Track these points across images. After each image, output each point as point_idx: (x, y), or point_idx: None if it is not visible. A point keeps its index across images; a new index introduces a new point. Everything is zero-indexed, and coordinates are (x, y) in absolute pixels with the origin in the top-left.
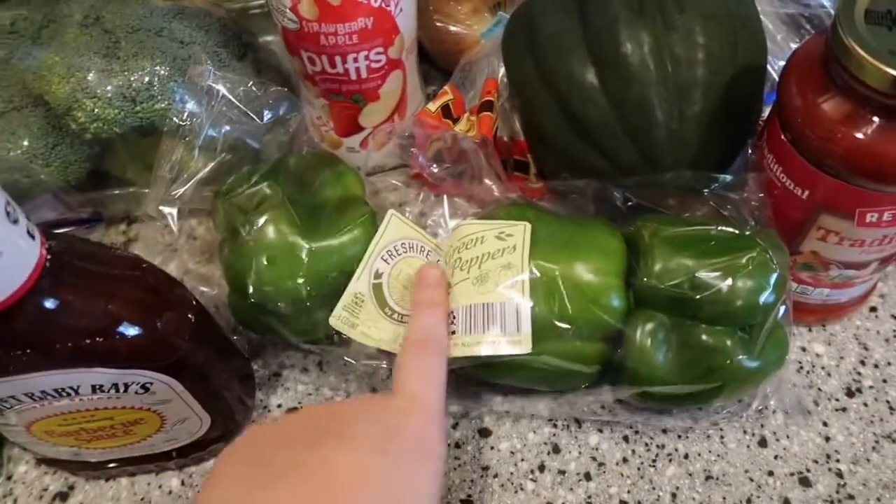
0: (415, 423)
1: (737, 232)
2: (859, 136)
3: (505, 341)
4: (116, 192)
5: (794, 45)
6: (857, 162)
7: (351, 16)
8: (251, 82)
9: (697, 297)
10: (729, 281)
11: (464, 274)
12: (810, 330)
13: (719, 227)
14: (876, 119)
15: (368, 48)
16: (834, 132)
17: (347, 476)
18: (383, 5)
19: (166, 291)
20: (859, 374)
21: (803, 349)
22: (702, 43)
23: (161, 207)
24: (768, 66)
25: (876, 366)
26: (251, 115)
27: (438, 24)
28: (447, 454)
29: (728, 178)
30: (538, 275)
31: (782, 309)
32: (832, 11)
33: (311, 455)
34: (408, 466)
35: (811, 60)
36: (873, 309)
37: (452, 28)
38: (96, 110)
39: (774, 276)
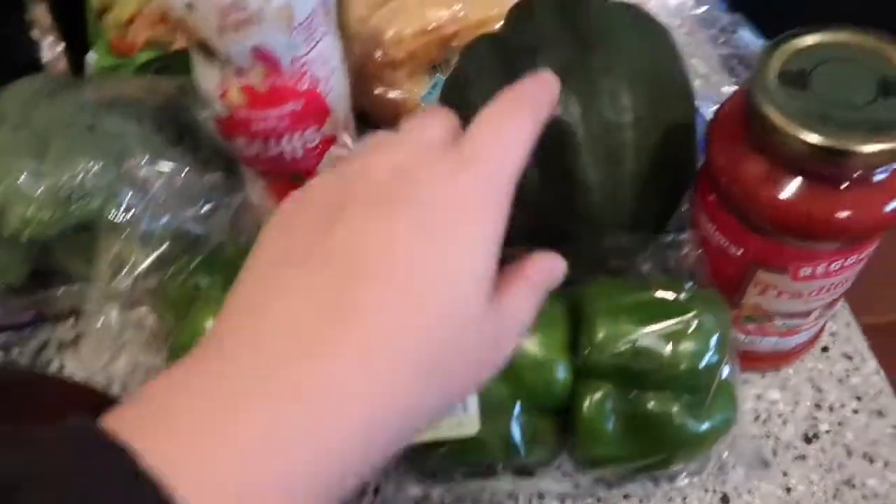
0: (465, 180)
1: (674, 296)
2: (783, 196)
3: (450, 423)
4: (61, 289)
5: (727, 89)
6: (783, 222)
7: (279, 101)
8: (187, 169)
9: (640, 365)
10: (670, 346)
11: None
12: (763, 376)
13: (658, 292)
14: (798, 179)
15: (301, 129)
16: (758, 192)
17: (375, 258)
18: (311, 88)
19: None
20: (815, 418)
21: (758, 396)
22: (628, 105)
23: (106, 302)
24: (704, 112)
25: (831, 408)
26: (191, 202)
27: (377, 92)
28: (501, 230)
29: (666, 237)
30: None
31: (727, 369)
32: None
33: (337, 232)
34: (444, 241)
35: (734, 118)
36: (825, 349)
37: (391, 95)
38: (28, 214)
39: (715, 337)
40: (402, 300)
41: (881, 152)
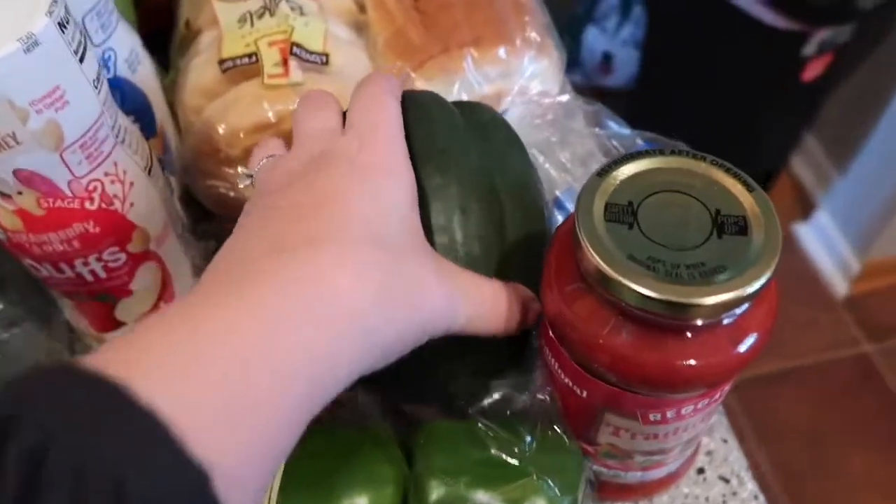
0: (372, 153)
1: (515, 452)
2: (615, 342)
3: None
4: None
5: None
6: (621, 372)
7: (62, 224)
8: None
9: None
10: None
11: None
12: None
13: (497, 448)
14: (631, 326)
15: (98, 251)
16: (589, 333)
17: (325, 199)
18: (105, 206)
19: None
20: None
21: None
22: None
23: None
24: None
25: None
26: None
27: (211, 188)
28: (412, 180)
29: (516, 374)
30: None
31: None
32: (639, 142)
33: (286, 195)
34: (374, 184)
35: (569, 245)
36: (700, 471)
37: (222, 190)
38: None
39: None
40: (353, 220)
41: (717, 305)
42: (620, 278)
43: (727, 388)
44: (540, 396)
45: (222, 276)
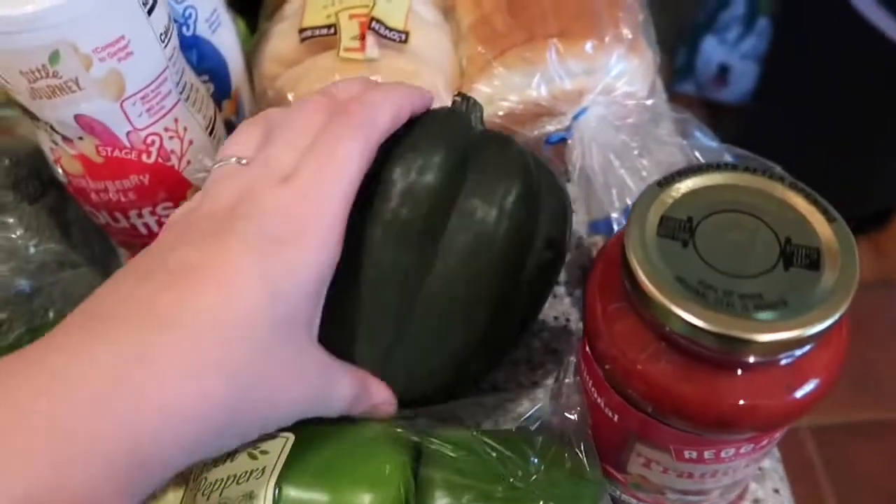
0: (290, 223)
1: (516, 481)
2: (654, 368)
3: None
4: None
5: None
6: (657, 401)
7: (119, 174)
8: (23, 241)
9: None
10: None
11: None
12: None
13: (500, 468)
14: (673, 354)
15: (152, 204)
16: (627, 356)
17: (210, 272)
18: (161, 161)
19: None
20: None
21: None
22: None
23: None
24: None
25: None
26: (20, 271)
27: None
28: (332, 251)
29: (537, 410)
30: None
31: None
32: (727, 157)
33: (180, 252)
34: (282, 257)
35: (616, 257)
36: None
37: None
38: None
39: None
40: (224, 306)
41: (770, 343)
42: (664, 300)
43: (778, 435)
44: (569, 415)
45: (74, 321)
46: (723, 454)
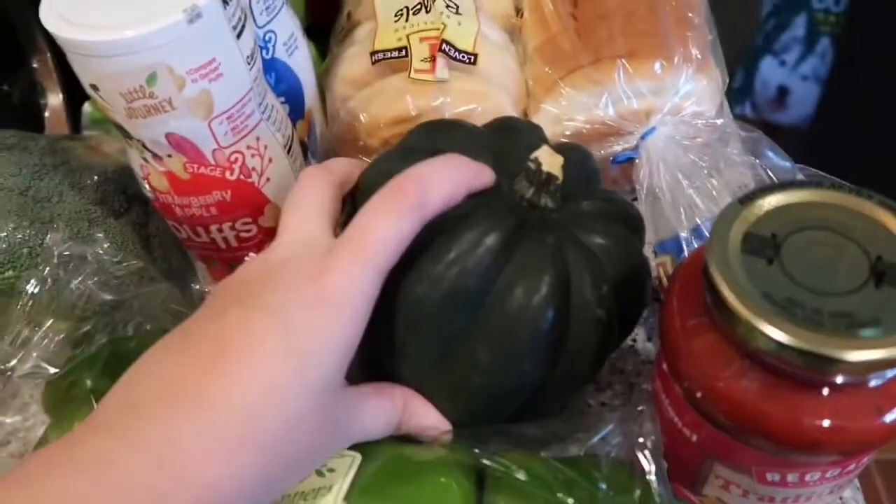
0: (322, 294)
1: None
2: (737, 386)
3: None
4: None
5: None
6: (739, 420)
7: (203, 189)
8: (108, 256)
9: None
10: None
11: None
12: None
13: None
14: (757, 372)
15: (232, 219)
16: (710, 376)
17: (235, 349)
18: (243, 177)
19: None
20: None
21: None
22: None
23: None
24: None
25: None
26: (105, 286)
27: None
28: (357, 328)
29: (606, 434)
30: None
31: None
32: (800, 177)
33: (211, 326)
34: (308, 323)
35: (697, 277)
36: None
37: None
38: None
39: None
40: (251, 380)
41: (862, 363)
42: (750, 317)
43: (866, 459)
44: (642, 437)
45: (104, 417)
46: (807, 478)
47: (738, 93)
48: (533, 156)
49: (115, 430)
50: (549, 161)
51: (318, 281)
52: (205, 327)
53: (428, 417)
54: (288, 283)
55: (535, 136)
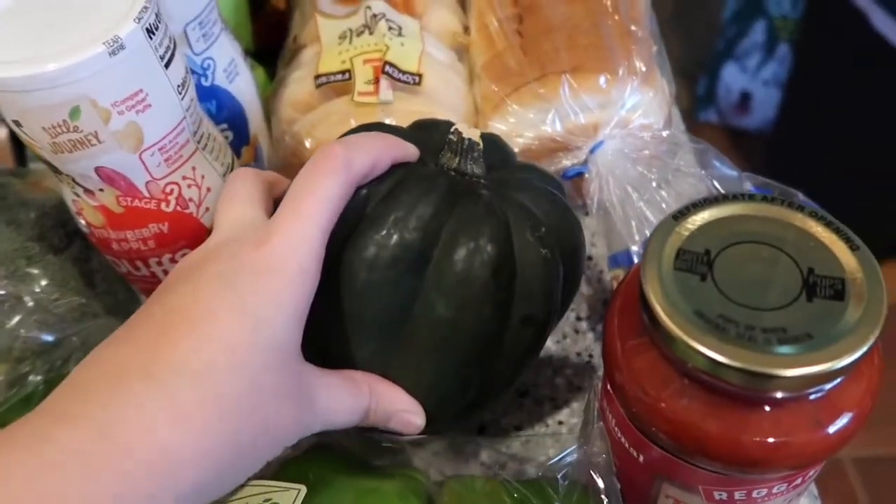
0: (266, 256)
1: None
2: (678, 406)
3: None
4: None
5: None
6: (681, 441)
7: (139, 223)
8: (47, 294)
9: None
10: None
11: None
12: None
13: None
14: (697, 391)
15: (171, 251)
16: (650, 393)
17: (183, 321)
18: (180, 209)
19: None
20: None
21: None
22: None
23: None
24: None
25: None
26: (43, 326)
27: None
28: (306, 290)
29: (563, 455)
30: None
31: None
32: (748, 186)
33: (156, 306)
34: (257, 285)
35: (634, 293)
36: None
37: None
38: None
39: None
40: (205, 343)
41: (796, 378)
42: (684, 336)
43: (812, 472)
44: (594, 455)
45: (48, 403)
46: (755, 494)
47: (703, 100)
48: (452, 129)
49: (55, 411)
50: (468, 131)
51: (263, 246)
52: (149, 311)
53: (397, 400)
54: (232, 254)
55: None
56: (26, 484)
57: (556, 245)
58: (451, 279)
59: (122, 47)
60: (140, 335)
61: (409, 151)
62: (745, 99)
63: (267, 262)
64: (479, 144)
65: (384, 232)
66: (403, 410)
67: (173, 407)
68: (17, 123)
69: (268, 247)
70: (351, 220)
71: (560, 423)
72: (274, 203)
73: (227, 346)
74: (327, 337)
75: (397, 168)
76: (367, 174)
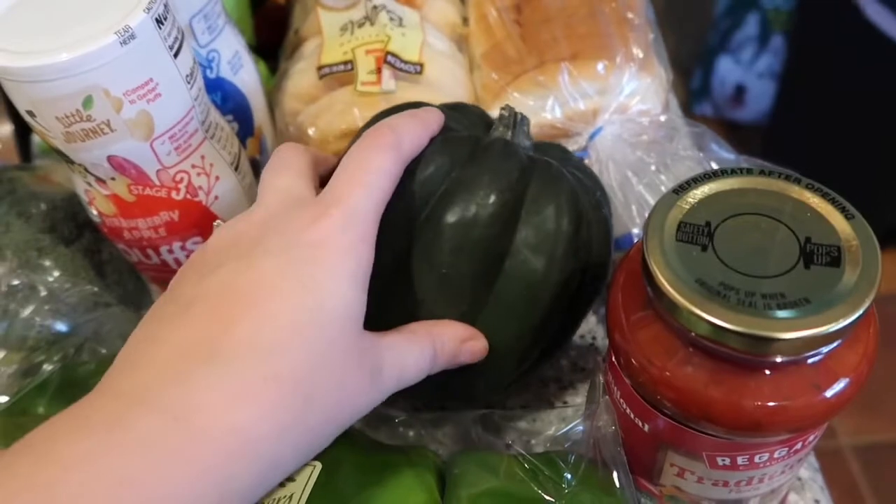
0: (325, 228)
1: (548, 497)
2: (683, 374)
3: None
4: None
5: None
6: (684, 407)
7: (150, 211)
8: (59, 284)
9: None
10: None
11: None
12: None
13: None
14: (700, 359)
15: (182, 239)
16: (655, 364)
17: (243, 298)
18: (190, 197)
19: None
20: None
21: None
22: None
23: None
24: None
25: None
26: (56, 314)
27: None
28: (366, 264)
29: (569, 429)
30: None
31: None
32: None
33: (210, 283)
34: (307, 276)
35: (637, 267)
36: None
37: None
38: None
39: None
40: (269, 321)
41: (795, 340)
42: (687, 303)
43: (812, 438)
44: (601, 428)
45: (114, 385)
46: (756, 459)
47: (697, 93)
48: (504, 105)
49: (123, 393)
50: (517, 107)
51: (321, 219)
52: (200, 288)
53: (457, 334)
54: (286, 228)
55: (480, 110)
56: (108, 469)
57: (607, 205)
58: (543, 234)
59: (133, 37)
60: (197, 314)
61: (439, 119)
62: (739, 92)
63: (325, 235)
64: (528, 119)
65: (482, 192)
66: (466, 340)
67: (242, 387)
68: (31, 114)
69: (326, 220)
70: (421, 193)
71: (565, 402)
72: (320, 180)
73: (290, 321)
74: (413, 309)
75: (463, 139)
76: (414, 153)
